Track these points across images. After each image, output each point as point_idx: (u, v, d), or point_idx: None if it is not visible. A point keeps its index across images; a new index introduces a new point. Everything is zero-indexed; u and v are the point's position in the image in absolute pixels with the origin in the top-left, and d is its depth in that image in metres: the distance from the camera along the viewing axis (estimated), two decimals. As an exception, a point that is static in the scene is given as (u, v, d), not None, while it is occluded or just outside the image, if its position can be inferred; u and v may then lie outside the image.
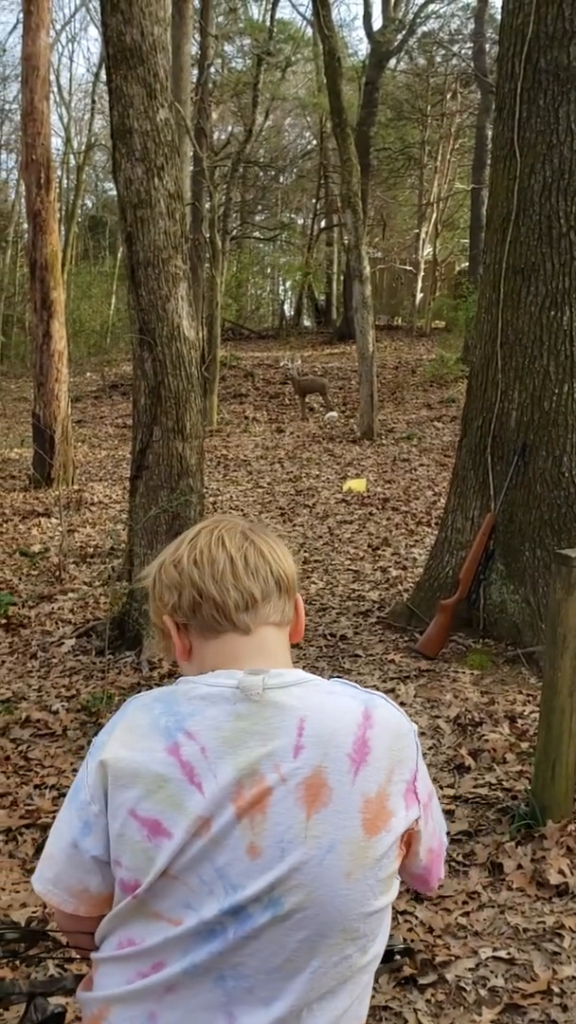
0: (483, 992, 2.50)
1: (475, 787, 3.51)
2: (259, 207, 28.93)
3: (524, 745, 3.79)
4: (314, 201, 28.14)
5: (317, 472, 10.95)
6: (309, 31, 23.30)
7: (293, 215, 31.12)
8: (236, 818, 1.03)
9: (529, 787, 3.32)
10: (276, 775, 1.04)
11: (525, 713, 4.14)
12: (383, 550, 7.29)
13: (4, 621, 5.93)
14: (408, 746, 1.12)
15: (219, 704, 1.07)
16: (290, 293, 33.64)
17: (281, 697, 1.08)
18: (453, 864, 3.06)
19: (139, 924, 1.06)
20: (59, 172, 24.24)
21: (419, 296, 23.67)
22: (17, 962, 2.65)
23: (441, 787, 3.53)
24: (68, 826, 1.11)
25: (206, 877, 1.03)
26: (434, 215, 23.50)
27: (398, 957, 1.44)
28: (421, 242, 23.46)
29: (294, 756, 1.04)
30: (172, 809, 1.03)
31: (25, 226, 18.59)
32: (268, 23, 22.03)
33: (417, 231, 24.23)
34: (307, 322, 30.31)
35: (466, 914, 2.82)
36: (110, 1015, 1.08)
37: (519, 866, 3.00)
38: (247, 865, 1.02)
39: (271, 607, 1.17)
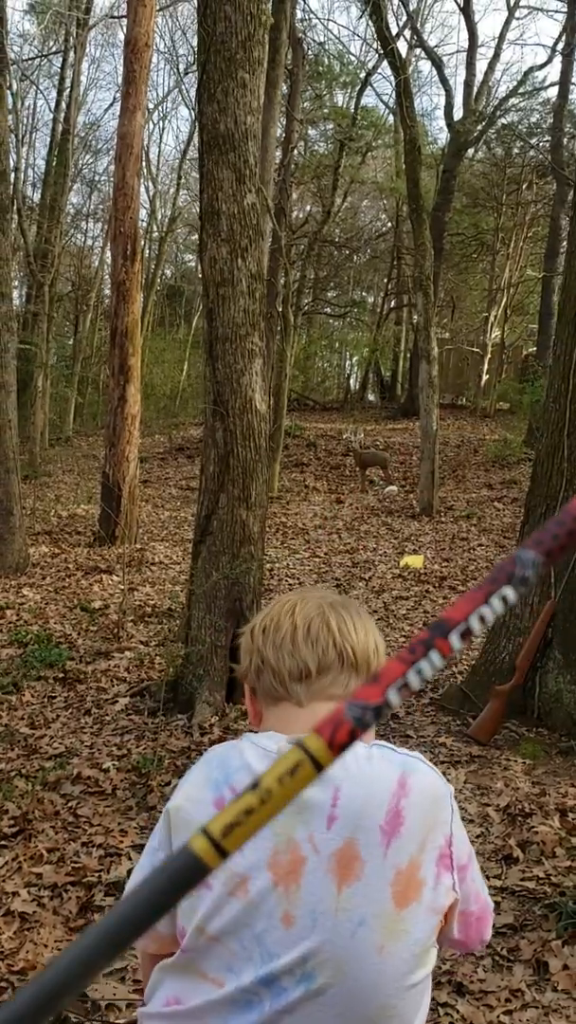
0: None
1: (522, 879, 3.45)
2: (331, 284, 29.60)
3: (574, 840, 3.72)
4: (386, 281, 28.72)
5: (374, 545, 10.98)
6: (391, 118, 24.10)
7: (364, 293, 31.77)
8: (273, 884, 1.04)
9: (579, 885, 3.26)
10: (310, 845, 1.05)
11: (577, 807, 4.07)
12: (438, 630, 7.25)
13: (61, 675, 6.03)
14: (443, 809, 1.11)
15: (264, 763, 1.10)
16: (356, 368, 34.15)
17: None
18: (497, 958, 3.01)
19: (186, 982, 1.08)
20: (142, 242, 25.18)
21: (485, 378, 23.82)
22: None
23: (488, 877, 3.47)
24: (140, 868, 1.18)
25: (246, 942, 1.04)
26: (504, 300, 23.78)
27: None
28: (490, 325, 23.70)
29: (327, 827, 1.05)
30: None
31: (107, 291, 19.32)
32: (352, 110, 22.83)
33: (486, 315, 24.50)
34: (372, 397, 30.69)
35: (509, 1012, 2.76)
36: None
37: (565, 967, 2.93)
38: (282, 934, 1.03)
39: (329, 680, 1.15)
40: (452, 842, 1.10)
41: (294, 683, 1.15)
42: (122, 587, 7.98)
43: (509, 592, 0.48)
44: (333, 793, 1.06)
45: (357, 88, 22.86)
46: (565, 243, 6.65)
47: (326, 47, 22.67)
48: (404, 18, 20.34)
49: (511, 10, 22.06)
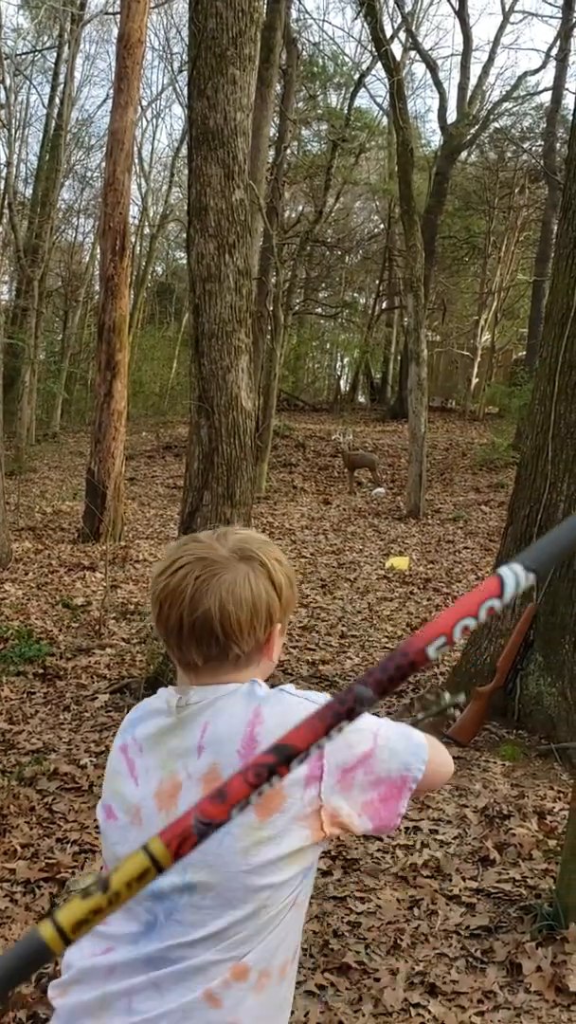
0: None
1: (498, 881, 3.44)
2: (323, 285, 29.58)
3: (552, 843, 3.72)
4: (377, 282, 28.73)
5: (360, 547, 10.98)
6: (384, 120, 24.12)
7: (356, 294, 31.76)
8: (157, 809, 1.21)
9: (554, 887, 3.25)
10: (185, 772, 1.20)
11: (555, 810, 4.06)
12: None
13: (41, 671, 5.99)
14: None
15: (158, 715, 1.26)
16: (347, 369, 34.17)
17: (195, 708, 1.22)
18: (471, 959, 3.00)
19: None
20: (133, 239, 25.13)
21: (474, 381, 23.87)
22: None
23: (464, 879, 3.47)
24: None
25: None
26: (495, 304, 23.82)
27: None
28: (480, 329, 23.75)
29: (198, 756, 1.19)
30: (117, 797, 1.26)
31: (96, 288, 19.29)
32: (346, 111, 22.83)
33: (477, 318, 24.55)
34: (361, 398, 30.69)
35: (481, 1014, 2.75)
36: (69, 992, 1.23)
37: (538, 968, 2.92)
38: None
39: (218, 666, 1.25)
40: (324, 755, 1.18)
41: (187, 671, 1.26)
42: (105, 584, 7.94)
43: (346, 724, 0.55)
44: (203, 728, 1.20)
45: (351, 89, 22.87)
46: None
47: (321, 47, 22.69)
48: (399, 20, 20.36)
49: (506, 14, 22.13)
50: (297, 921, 1.25)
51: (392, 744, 1.24)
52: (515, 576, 0.52)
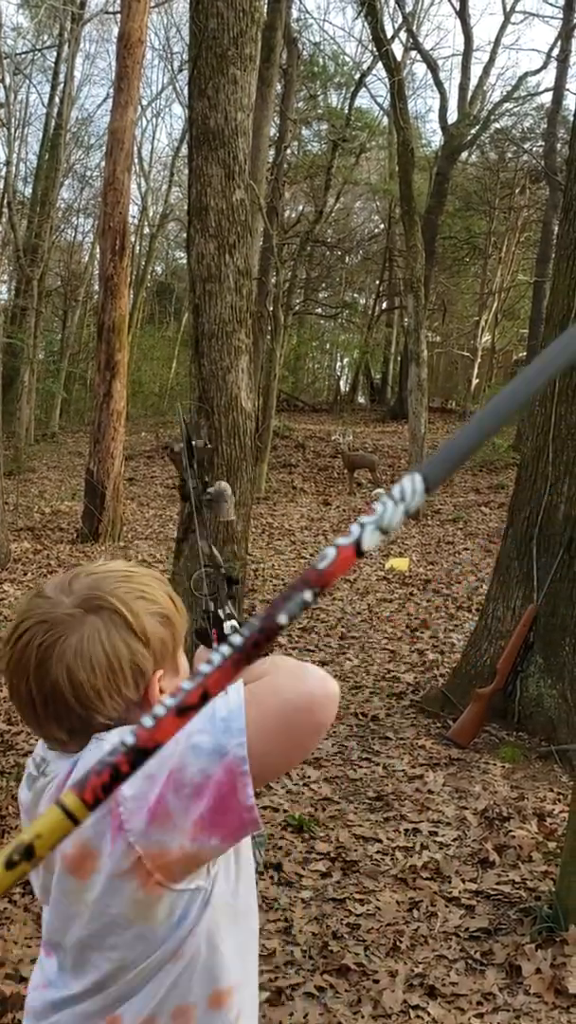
0: None
1: (498, 883, 3.44)
2: (323, 285, 29.57)
3: (551, 845, 3.71)
4: (377, 283, 28.72)
5: (360, 548, 10.95)
6: (385, 120, 24.12)
7: (356, 295, 31.75)
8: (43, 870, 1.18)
9: (553, 888, 3.25)
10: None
11: (555, 812, 4.06)
12: (421, 632, 7.25)
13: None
14: None
15: (28, 788, 1.18)
16: (347, 369, 34.16)
17: (42, 785, 1.14)
18: (470, 961, 2.99)
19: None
20: (133, 239, 25.11)
21: (474, 382, 23.86)
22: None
23: (463, 881, 3.46)
24: None
25: (44, 916, 1.19)
26: (495, 304, 23.81)
27: None
28: (480, 330, 23.73)
29: None
30: None
31: (96, 287, 19.30)
32: (346, 111, 22.82)
33: (477, 319, 24.54)
34: (361, 399, 30.68)
35: (480, 1016, 2.74)
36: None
37: (538, 970, 2.92)
38: (48, 913, 1.16)
39: (85, 738, 1.13)
40: (121, 803, 1.01)
41: (53, 746, 1.15)
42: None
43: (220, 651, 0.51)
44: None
45: (351, 89, 22.86)
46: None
47: (321, 47, 22.67)
48: (400, 20, 20.36)
49: (507, 15, 22.12)
50: (189, 972, 1.11)
51: (195, 738, 1.00)
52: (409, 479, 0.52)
